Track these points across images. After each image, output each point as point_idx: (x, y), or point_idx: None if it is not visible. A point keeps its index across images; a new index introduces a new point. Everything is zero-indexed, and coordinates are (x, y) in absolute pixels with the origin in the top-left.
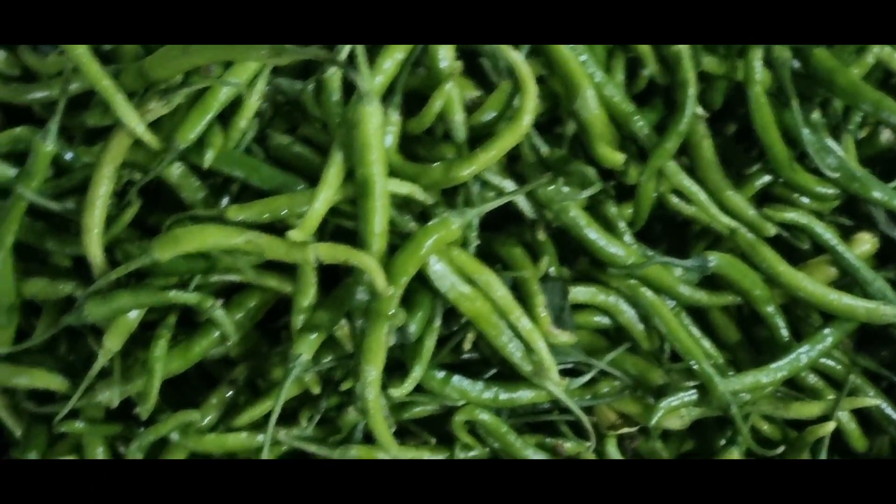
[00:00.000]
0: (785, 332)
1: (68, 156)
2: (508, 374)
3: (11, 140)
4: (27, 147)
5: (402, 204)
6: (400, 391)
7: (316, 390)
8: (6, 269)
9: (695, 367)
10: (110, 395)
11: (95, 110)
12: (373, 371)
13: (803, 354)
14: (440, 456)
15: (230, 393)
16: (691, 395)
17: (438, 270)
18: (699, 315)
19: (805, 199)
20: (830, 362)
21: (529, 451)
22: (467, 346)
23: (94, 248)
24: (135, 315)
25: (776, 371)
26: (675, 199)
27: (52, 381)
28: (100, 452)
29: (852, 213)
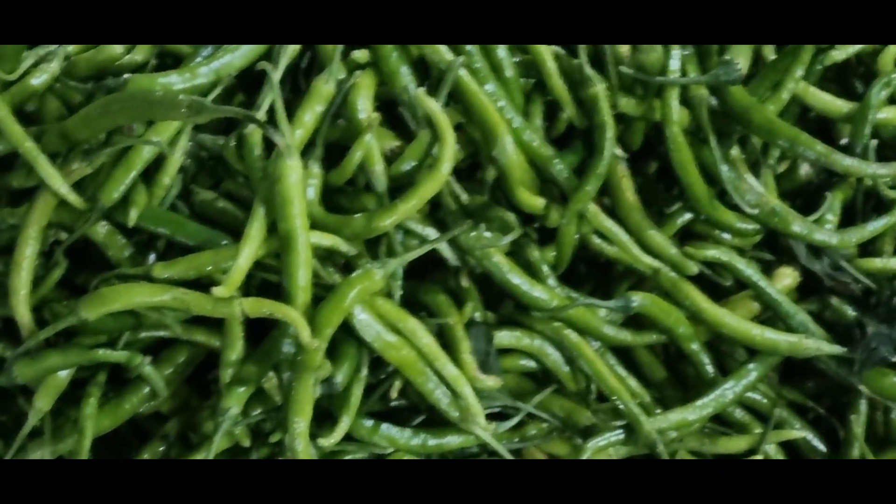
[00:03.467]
0: (710, 369)
1: None
2: (437, 421)
3: None
4: None
5: (325, 256)
6: (329, 441)
7: (246, 443)
8: None
9: (621, 406)
10: (41, 455)
11: (19, 172)
12: (301, 422)
13: (729, 390)
14: None
15: (162, 448)
16: (618, 435)
17: (363, 320)
18: (625, 354)
19: (726, 236)
20: (756, 396)
21: None
22: (394, 394)
23: (21, 308)
24: (64, 374)
25: (702, 408)
26: (597, 240)
27: None
28: None
29: (773, 247)
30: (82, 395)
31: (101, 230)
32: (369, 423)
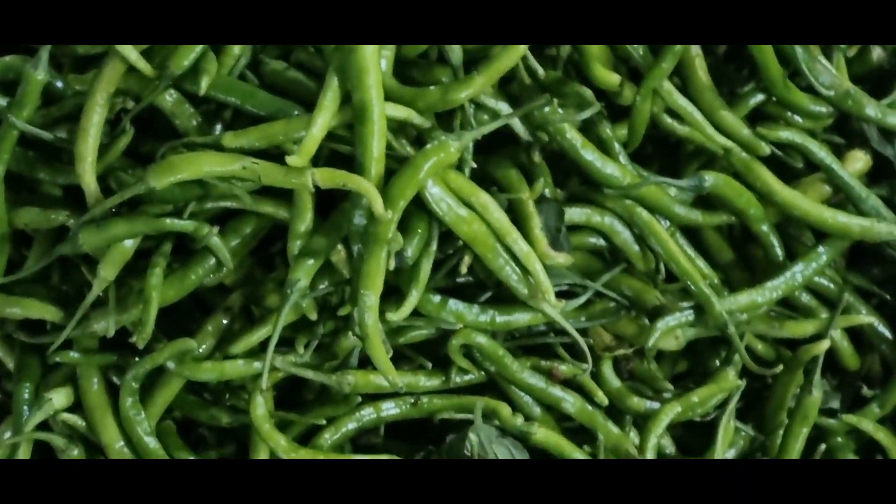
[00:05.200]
0: (779, 251)
1: (59, 84)
2: (504, 298)
3: (1, 69)
4: (17, 76)
5: (397, 128)
6: (397, 315)
7: (313, 316)
8: None
9: (692, 287)
10: (106, 325)
11: None
12: (371, 296)
13: (798, 273)
14: (436, 381)
15: (226, 321)
16: (688, 315)
17: (435, 193)
18: (692, 235)
19: (798, 118)
20: (823, 281)
21: (526, 373)
22: (464, 269)
23: (88, 176)
24: (130, 244)
25: (772, 290)
26: (668, 120)
27: (45, 311)
28: (95, 383)
29: (844, 131)
30: (146, 265)
31: (169, 99)
32: (437, 298)
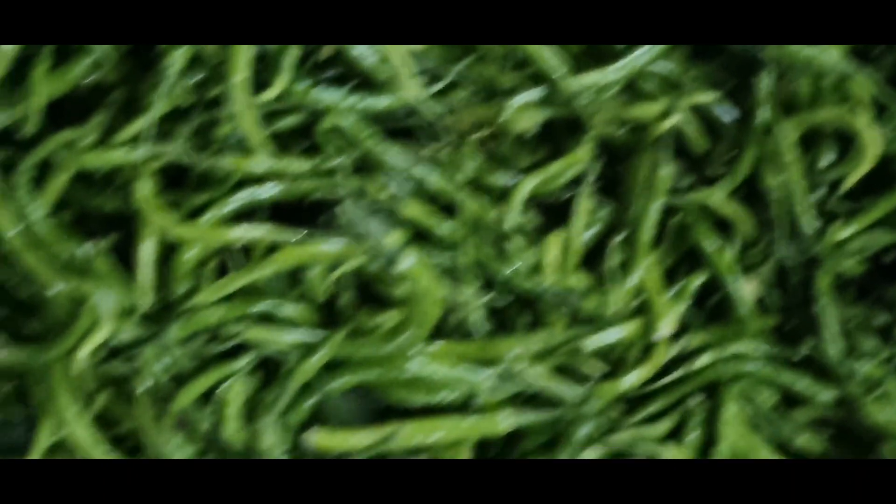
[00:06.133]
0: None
1: None
2: (367, 84)
3: None
4: None
5: None
6: (268, 94)
7: (187, 101)
8: None
9: (542, 66)
10: None
11: None
12: (240, 70)
13: (642, 55)
14: (307, 164)
15: (111, 114)
16: (540, 92)
17: None
18: None
19: None
20: (668, 66)
21: (391, 153)
22: (325, 54)
23: None
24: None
25: (618, 69)
26: None
27: None
28: None
29: None
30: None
31: None
32: (304, 83)
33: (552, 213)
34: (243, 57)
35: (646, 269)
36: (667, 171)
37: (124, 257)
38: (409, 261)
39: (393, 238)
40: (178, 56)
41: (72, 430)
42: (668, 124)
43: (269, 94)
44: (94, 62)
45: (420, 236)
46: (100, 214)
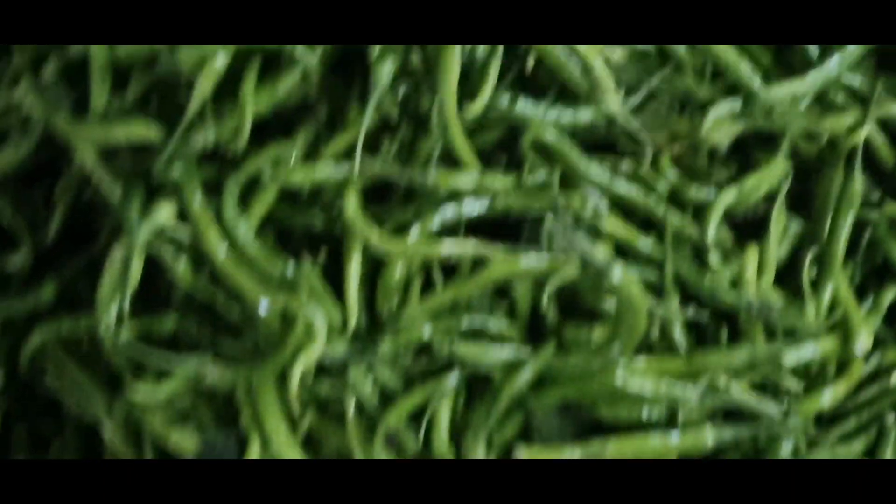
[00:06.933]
0: (815, 49)
1: None
2: (567, 98)
3: None
4: None
5: None
6: (474, 107)
7: (394, 113)
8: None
9: (740, 76)
10: (205, 135)
11: None
12: (450, 83)
13: (834, 65)
14: (509, 180)
15: (313, 131)
16: (736, 104)
17: None
18: None
19: None
20: (856, 78)
21: (592, 167)
22: (530, 64)
23: None
24: (223, 60)
25: (813, 80)
26: None
27: (148, 129)
28: (197, 195)
29: None
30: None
31: None
32: (506, 98)
33: (738, 227)
34: (452, 70)
35: (840, 284)
36: (859, 185)
37: (327, 274)
38: (620, 274)
39: (603, 251)
40: (387, 68)
41: (280, 450)
42: (860, 137)
43: (475, 107)
44: (301, 76)
45: (621, 251)
46: (305, 231)
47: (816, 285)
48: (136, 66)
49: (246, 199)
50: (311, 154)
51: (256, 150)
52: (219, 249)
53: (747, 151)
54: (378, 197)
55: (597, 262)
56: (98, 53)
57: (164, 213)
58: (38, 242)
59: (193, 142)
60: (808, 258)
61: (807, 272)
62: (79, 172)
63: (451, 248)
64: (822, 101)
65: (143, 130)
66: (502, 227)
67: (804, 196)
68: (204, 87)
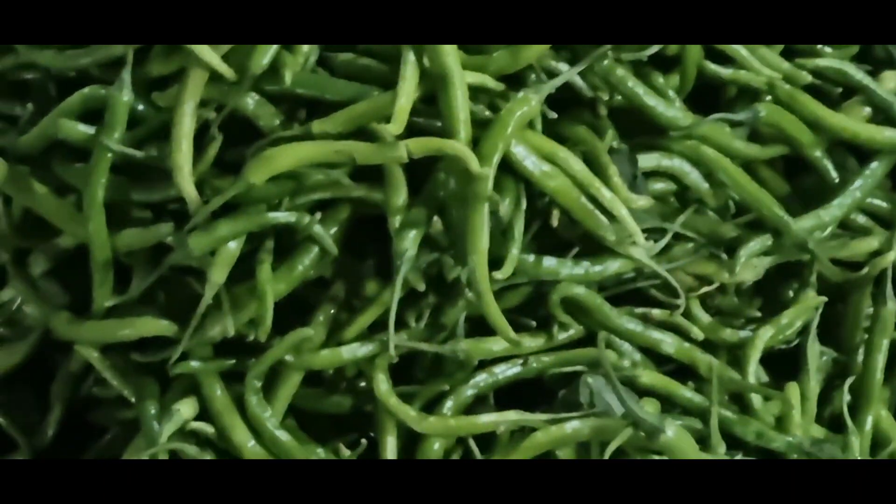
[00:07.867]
0: (834, 174)
1: (140, 107)
2: (590, 251)
3: (81, 100)
4: (98, 104)
5: (470, 96)
6: (502, 273)
7: (421, 287)
8: (99, 224)
9: (765, 213)
10: (223, 327)
11: (156, 59)
12: (480, 253)
13: (857, 190)
14: (540, 340)
15: (333, 310)
16: (765, 242)
17: (520, 152)
18: (748, 172)
19: (827, 49)
20: (877, 201)
21: (624, 320)
22: (555, 222)
23: (187, 184)
24: (234, 245)
25: (837, 208)
26: (711, 66)
27: (158, 326)
28: (217, 389)
29: (870, 58)
30: (251, 266)
31: (250, 101)
32: (531, 257)
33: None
34: (482, 237)
35: (880, 412)
36: (892, 306)
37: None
38: (672, 430)
39: (650, 408)
40: (411, 241)
41: None
42: (890, 257)
43: (505, 271)
44: (317, 254)
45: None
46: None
47: (855, 415)
48: (138, 260)
49: (270, 388)
50: (332, 336)
51: (277, 338)
52: (247, 444)
53: (768, 281)
54: (402, 363)
55: (647, 422)
56: (98, 250)
57: (186, 410)
58: (36, 445)
59: (209, 332)
60: (846, 390)
61: (845, 404)
62: (77, 368)
63: (491, 419)
64: (844, 225)
65: (153, 327)
66: (534, 384)
67: (828, 319)
68: (217, 276)
